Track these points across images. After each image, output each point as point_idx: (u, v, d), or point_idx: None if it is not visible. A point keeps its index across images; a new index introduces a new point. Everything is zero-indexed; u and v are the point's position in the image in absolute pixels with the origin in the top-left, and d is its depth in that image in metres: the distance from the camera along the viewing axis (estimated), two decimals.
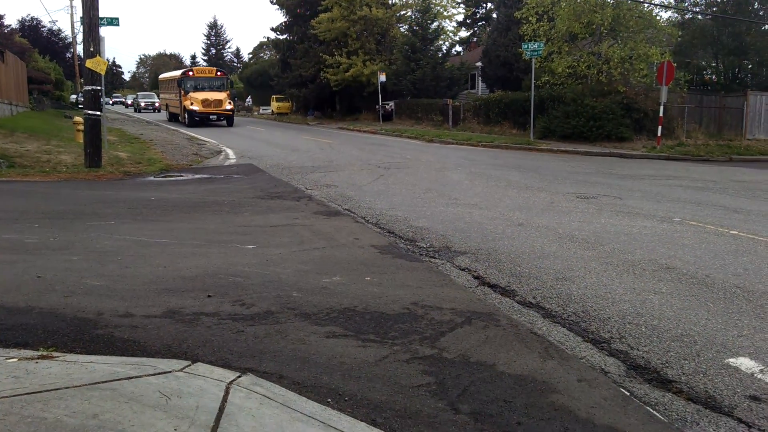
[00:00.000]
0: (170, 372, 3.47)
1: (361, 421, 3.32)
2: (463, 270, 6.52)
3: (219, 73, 40.08)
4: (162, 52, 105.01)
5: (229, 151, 19.59)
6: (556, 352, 4.42)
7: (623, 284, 5.99)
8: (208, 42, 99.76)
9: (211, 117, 36.88)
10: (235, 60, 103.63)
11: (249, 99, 70.23)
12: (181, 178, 13.97)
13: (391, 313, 5.11)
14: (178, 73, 41.62)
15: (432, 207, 10.18)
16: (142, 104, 61.54)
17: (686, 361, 4.28)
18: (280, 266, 6.46)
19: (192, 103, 36.16)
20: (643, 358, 4.36)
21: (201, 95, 36.77)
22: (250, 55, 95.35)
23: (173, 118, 42.05)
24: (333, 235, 8.02)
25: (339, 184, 12.45)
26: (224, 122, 37.72)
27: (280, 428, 3.00)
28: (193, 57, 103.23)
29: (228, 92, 38.79)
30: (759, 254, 7.18)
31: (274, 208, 10.10)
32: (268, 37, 64.96)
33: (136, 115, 55.08)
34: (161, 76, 51.14)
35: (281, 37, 53.15)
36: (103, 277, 5.81)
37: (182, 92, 37.84)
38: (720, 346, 4.52)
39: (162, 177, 14.07)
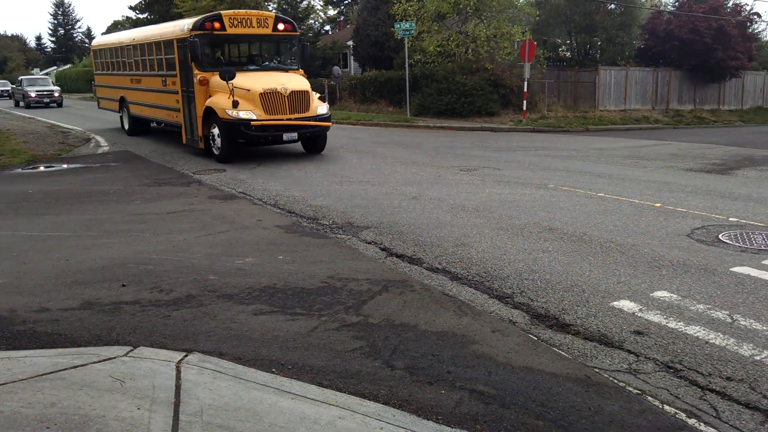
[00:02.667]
0: (115, 358, 3.51)
1: (310, 384, 3.56)
2: (369, 243, 6.84)
3: (281, 26, 14.33)
4: (2, 33, 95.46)
5: (100, 138, 18.53)
6: (469, 309, 4.87)
7: (515, 246, 6.60)
8: (55, 22, 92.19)
9: (286, 137, 13.07)
10: (87, 41, 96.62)
11: None
12: (54, 168, 13.13)
13: (311, 287, 5.34)
14: (169, 26, 15.53)
15: (326, 186, 10.40)
16: (33, 95, 36.79)
17: (579, 307, 4.90)
18: (189, 252, 6.45)
19: (237, 105, 12.44)
20: (542, 308, 4.92)
21: (254, 81, 13.01)
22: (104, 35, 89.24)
23: (138, 127, 18.64)
24: (234, 219, 8.04)
25: (227, 169, 12.32)
26: (302, 144, 14.52)
27: (238, 397, 3.17)
28: (39, 38, 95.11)
29: (302, 72, 14.84)
30: (624, 212, 8.12)
31: (165, 194, 9.86)
32: (126, 17, 60.78)
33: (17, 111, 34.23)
34: (100, 40, 22.19)
35: (141, 16, 50.31)
36: (3, 275, 5.54)
37: (193, 74, 13.50)
38: (604, 292, 5.19)
39: (32, 169, 13.14)
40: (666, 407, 3.44)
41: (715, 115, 30.19)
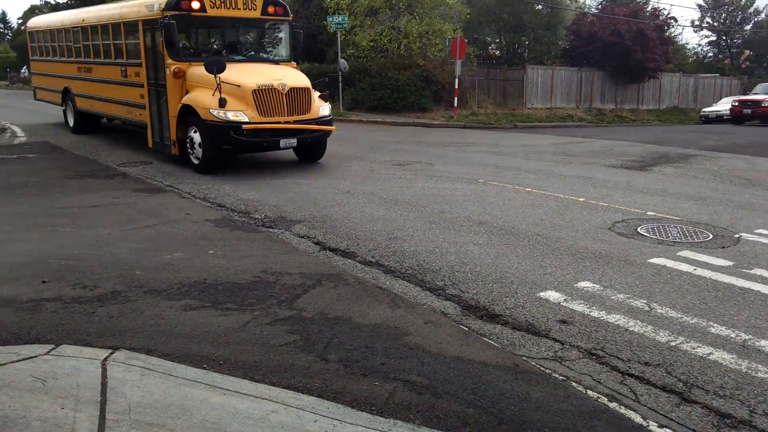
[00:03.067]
0: (36, 356, 3.36)
1: (243, 379, 3.51)
2: (302, 237, 6.80)
3: (271, 9, 11.89)
4: None
5: (16, 129, 17.58)
6: (402, 302, 4.93)
7: (447, 239, 6.71)
8: None
9: (284, 143, 10.65)
10: (2, 26, 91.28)
11: (24, 69, 62.52)
12: None
13: (243, 282, 5.26)
14: (132, 5, 12.19)
15: (259, 179, 10.26)
16: None
17: (507, 298, 5.04)
18: (114, 246, 6.23)
19: (225, 104, 9.99)
20: (473, 299, 5.04)
21: (244, 75, 10.58)
22: (21, 20, 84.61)
23: (85, 123, 15.84)
24: (162, 212, 7.81)
25: (154, 161, 11.95)
26: (295, 151, 12.08)
27: (168, 394, 3.10)
28: None
29: (295, 64, 12.43)
30: (550, 207, 8.40)
31: (88, 187, 9.47)
32: (45, 1, 57.67)
33: None
34: (38, 21, 18.94)
35: (62, 0, 47.96)
36: None
37: (165, 64, 10.96)
38: (531, 284, 5.36)
39: None
40: (589, 392, 3.59)
41: (634, 114, 31.60)
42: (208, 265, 5.67)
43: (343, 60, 11.60)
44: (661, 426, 3.26)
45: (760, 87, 30.71)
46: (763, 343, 4.25)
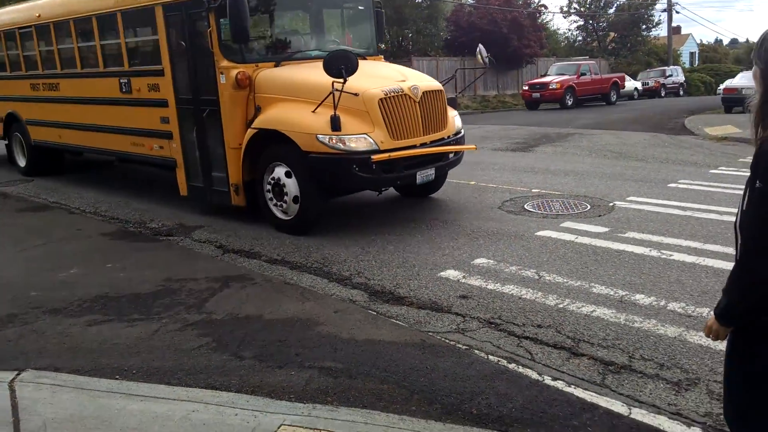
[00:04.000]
0: None
1: (159, 384, 3.53)
2: (204, 242, 6.76)
3: None
4: None
5: None
6: (311, 295, 5.07)
7: (350, 230, 6.90)
8: None
9: (420, 177, 6.88)
10: None
11: None
12: None
13: (147, 292, 5.21)
14: None
15: (148, 187, 9.98)
16: None
17: (411, 281, 5.30)
18: (2, 270, 5.94)
19: (339, 124, 6.23)
20: (379, 285, 5.26)
21: (356, 77, 6.19)
22: None
23: (44, 162, 11.47)
24: (50, 231, 7.48)
25: (35, 178, 11.29)
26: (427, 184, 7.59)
27: (83, 407, 3.09)
28: None
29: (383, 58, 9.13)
30: (444, 191, 8.74)
31: None
32: None
33: None
34: None
35: None
36: None
37: (216, 68, 6.98)
38: (432, 265, 5.65)
39: None
40: (490, 357, 3.90)
41: (515, 99, 33.18)
42: (109, 279, 5.55)
43: (482, 46, 7.90)
44: (554, 379, 3.61)
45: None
46: (637, 297, 4.75)
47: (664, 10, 42.55)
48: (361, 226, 7.09)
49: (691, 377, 3.59)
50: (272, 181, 6.84)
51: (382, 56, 8.88)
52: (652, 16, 45.91)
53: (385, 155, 6.40)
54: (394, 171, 6.61)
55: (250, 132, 6.86)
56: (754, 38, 4.81)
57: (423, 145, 6.85)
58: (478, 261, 5.72)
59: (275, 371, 3.77)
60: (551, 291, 4.94)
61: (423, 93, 6.85)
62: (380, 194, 7.72)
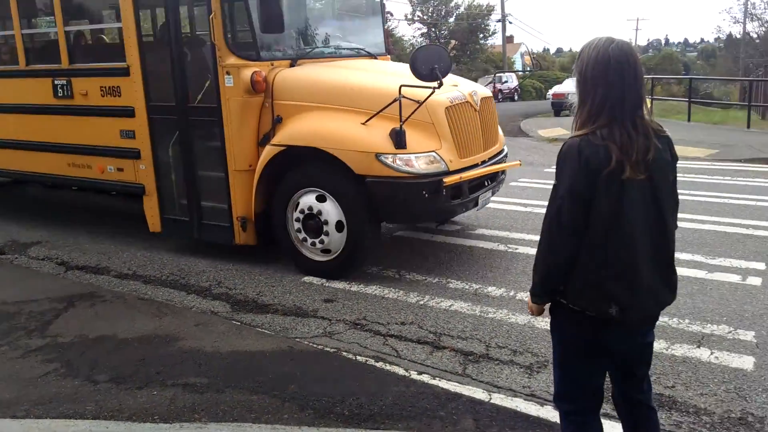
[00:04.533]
0: None
1: (2, 419, 3.20)
2: (43, 260, 6.21)
3: None
4: None
5: None
6: (168, 309, 4.84)
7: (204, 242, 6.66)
8: None
9: (481, 200, 5.65)
10: None
11: None
12: None
13: None
14: None
15: None
16: None
17: (274, 288, 5.25)
18: None
19: (403, 139, 4.89)
20: (241, 294, 5.14)
21: (396, 82, 4.91)
22: None
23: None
24: None
25: None
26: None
27: None
28: None
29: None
30: None
31: None
32: None
33: None
34: None
35: None
36: None
37: (219, 66, 5.33)
38: (295, 270, 5.61)
39: None
40: (358, 357, 3.97)
41: None
42: None
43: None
44: (420, 373, 3.75)
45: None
46: (489, 289, 5.07)
47: (499, 20, 45.65)
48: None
49: (540, 360, 3.89)
50: (303, 214, 5.29)
51: (389, 56, 7.16)
52: (488, 25, 49.06)
53: (457, 177, 5.10)
54: (461, 196, 5.26)
55: (270, 150, 5.25)
56: (576, 48, 5.39)
57: (483, 162, 5.61)
58: None
59: (135, 393, 3.56)
60: (412, 289, 5.12)
61: (481, 100, 5.70)
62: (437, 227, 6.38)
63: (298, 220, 5.35)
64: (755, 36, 40.06)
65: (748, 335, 4.12)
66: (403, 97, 4.81)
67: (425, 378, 3.69)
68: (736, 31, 44.71)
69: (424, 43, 50.74)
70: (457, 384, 3.61)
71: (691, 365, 3.73)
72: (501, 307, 4.70)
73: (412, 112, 4.89)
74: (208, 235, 5.93)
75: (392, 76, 5.52)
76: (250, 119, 5.40)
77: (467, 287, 5.13)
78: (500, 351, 4.03)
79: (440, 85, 4.79)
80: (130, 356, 4.03)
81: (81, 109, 6.44)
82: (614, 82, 1.99)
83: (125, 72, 5.92)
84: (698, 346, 3.97)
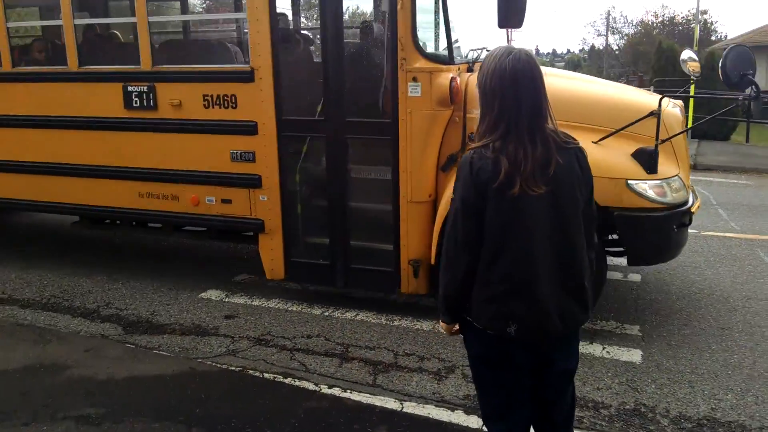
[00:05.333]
0: None
1: None
2: None
3: None
4: None
5: None
6: (52, 335, 4.47)
7: (88, 258, 6.23)
8: None
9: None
10: None
11: None
12: None
13: None
14: None
15: None
16: None
17: (170, 306, 4.99)
18: None
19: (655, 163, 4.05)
20: (134, 314, 4.85)
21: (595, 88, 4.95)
22: None
23: None
24: None
25: None
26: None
27: None
28: None
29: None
30: None
31: None
32: None
33: None
34: None
35: None
36: None
37: (397, 66, 4.23)
38: (192, 286, 5.38)
39: None
40: (265, 375, 3.85)
41: None
42: None
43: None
44: (330, 387, 3.70)
45: None
46: (393, 296, 5.10)
47: None
48: (108, 251, 6.47)
49: (447, 365, 3.97)
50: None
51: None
52: None
53: (696, 205, 4.42)
54: (688, 227, 4.43)
55: None
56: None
57: None
58: (240, 277, 5.62)
59: (20, 430, 3.25)
60: (316, 300, 5.05)
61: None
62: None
63: None
64: (616, 48, 43.32)
65: (634, 329, 4.43)
66: (652, 114, 3.97)
67: (336, 391, 3.64)
68: (599, 43, 48.13)
69: None
70: (368, 395, 3.59)
71: (587, 361, 3.94)
72: (406, 314, 4.74)
73: (664, 136, 4.08)
74: (359, 283, 4.83)
75: (608, 86, 4.87)
76: (436, 137, 4.33)
77: (372, 296, 5.13)
78: (408, 358, 4.06)
79: (757, 95, 3.94)
80: (12, 389, 3.68)
81: (170, 124, 4.98)
82: (510, 93, 1.94)
83: (247, 77, 4.63)
84: (591, 342, 4.21)
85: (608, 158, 4.03)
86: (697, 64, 4.59)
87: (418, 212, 4.41)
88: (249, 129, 4.72)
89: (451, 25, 4.40)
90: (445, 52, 4.46)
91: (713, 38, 35.87)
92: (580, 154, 2.04)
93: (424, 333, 4.43)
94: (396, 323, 4.60)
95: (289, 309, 4.89)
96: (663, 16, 37.66)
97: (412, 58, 4.20)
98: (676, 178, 4.18)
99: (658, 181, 4.03)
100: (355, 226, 4.72)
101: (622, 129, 4.05)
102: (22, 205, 6.13)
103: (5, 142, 5.70)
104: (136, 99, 5.04)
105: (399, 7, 4.14)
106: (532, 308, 1.99)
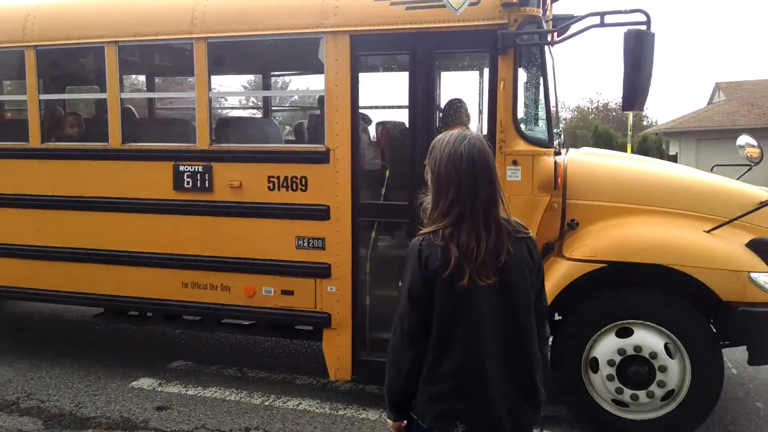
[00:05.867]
0: None
1: None
2: None
3: None
4: None
5: None
6: None
7: (13, 346, 5.81)
8: None
9: None
10: None
11: None
12: None
13: None
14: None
15: None
16: None
17: (97, 397, 4.63)
18: None
19: None
20: (56, 407, 4.47)
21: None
22: None
23: None
24: None
25: None
26: None
27: None
28: None
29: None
30: None
31: None
32: None
33: None
34: None
35: None
36: None
37: (505, 149, 3.99)
38: (122, 374, 5.03)
39: None
40: None
41: None
42: None
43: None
44: None
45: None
46: (338, 382, 4.88)
47: None
48: (32, 335, 6.04)
49: None
50: (616, 359, 3.88)
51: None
52: None
53: None
54: None
55: (576, 268, 3.90)
56: None
57: None
58: (176, 364, 5.30)
59: None
60: (256, 388, 4.79)
61: None
62: None
63: (611, 376, 3.87)
64: (556, 131, 45.42)
65: (562, 410, 4.32)
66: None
67: None
68: None
69: None
70: None
71: None
72: (351, 403, 4.53)
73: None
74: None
75: (704, 174, 4.72)
76: (534, 225, 3.93)
77: (315, 382, 4.91)
78: None
79: None
80: None
81: (228, 207, 4.56)
82: (466, 180, 1.88)
83: (322, 157, 4.30)
84: (541, 431, 4.08)
85: (727, 249, 3.83)
86: (758, 150, 4.58)
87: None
88: (320, 213, 4.34)
89: (551, 105, 4.18)
90: (541, 134, 4.19)
91: (645, 123, 38.08)
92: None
93: (371, 423, 4.22)
94: (341, 412, 4.37)
95: (227, 398, 4.61)
96: (598, 102, 39.83)
97: (512, 141, 3.97)
98: None
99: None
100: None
101: (738, 218, 3.88)
102: (36, 296, 5.32)
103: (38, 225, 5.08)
104: (188, 179, 4.63)
105: (501, 87, 3.93)
106: (481, 407, 1.88)
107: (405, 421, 2.06)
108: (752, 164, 4.59)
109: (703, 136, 24.37)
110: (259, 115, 6.57)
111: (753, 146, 4.61)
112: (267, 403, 4.53)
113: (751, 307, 3.71)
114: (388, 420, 2.10)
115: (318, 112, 5.01)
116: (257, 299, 4.56)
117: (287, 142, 5.95)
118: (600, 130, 19.36)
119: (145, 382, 4.90)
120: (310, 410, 4.41)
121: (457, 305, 1.87)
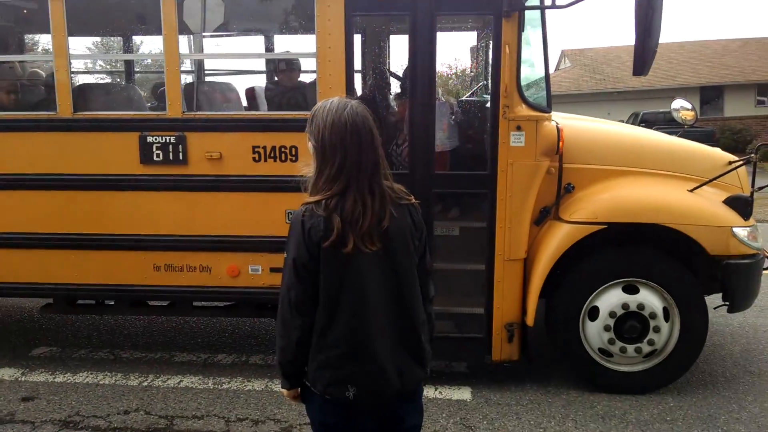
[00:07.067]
0: None
1: None
2: None
3: None
4: None
5: None
6: None
7: None
8: None
9: None
10: None
11: None
12: None
13: None
14: None
15: None
16: None
17: None
18: None
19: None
20: None
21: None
22: None
23: None
24: None
25: None
26: None
27: None
28: None
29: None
30: None
31: None
32: None
33: None
34: None
35: None
36: None
37: (498, 117, 3.89)
38: None
39: None
40: None
41: None
42: None
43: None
44: None
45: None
46: (220, 356, 4.80)
47: None
48: None
49: (284, 426, 3.78)
50: (615, 315, 4.04)
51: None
52: None
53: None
54: None
55: (577, 230, 4.00)
56: None
57: None
58: (39, 350, 4.94)
59: None
60: (132, 369, 4.58)
61: None
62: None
63: (608, 327, 4.04)
64: None
65: (461, 366, 4.59)
66: (748, 161, 4.35)
67: None
68: None
69: None
70: None
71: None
72: (235, 375, 4.48)
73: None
74: (442, 354, 4.17)
75: (660, 134, 4.96)
76: (535, 190, 4.01)
77: (195, 358, 4.79)
78: (241, 424, 3.81)
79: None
80: None
81: (206, 181, 4.19)
82: (351, 147, 1.89)
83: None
84: (423, 384, 4.27)
85: (712, 207, 4.09)
86: (692, 113, 4.85)
87: (514, 271, 4.10)
88: None
89: (549, 69, 4.22)
90: (541, 100, 4.18)
91: None
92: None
93: (257, 394, 4.20)
94: (225, 386, 4.31)
95: (101, 383, 4.38)
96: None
97: (515, 106, 3.94)
98: (755, 223, 4.29)
99: (750, 228, 4.12)
100: (439, 290, 4.11)
101: (718, 177, 4.17)
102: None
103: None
104: (159, 151, 4.20)
105: (505, 51, 3.86)
106: (370, 369, 1.94)
107: (298, 389, 2.08)
108: (686, 126, 4.89)
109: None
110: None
111: (687, 109, 4.81)
112: (145, 383, 4.36)
113: (734, 260, 4.03)
114: (282, 390, 2.11)
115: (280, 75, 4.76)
116: (242, 279, 4.31)
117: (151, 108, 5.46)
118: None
119: (6, 372, 4.52)
120: (193, 387, 4.31)
121: (342, 273, 1.90)
